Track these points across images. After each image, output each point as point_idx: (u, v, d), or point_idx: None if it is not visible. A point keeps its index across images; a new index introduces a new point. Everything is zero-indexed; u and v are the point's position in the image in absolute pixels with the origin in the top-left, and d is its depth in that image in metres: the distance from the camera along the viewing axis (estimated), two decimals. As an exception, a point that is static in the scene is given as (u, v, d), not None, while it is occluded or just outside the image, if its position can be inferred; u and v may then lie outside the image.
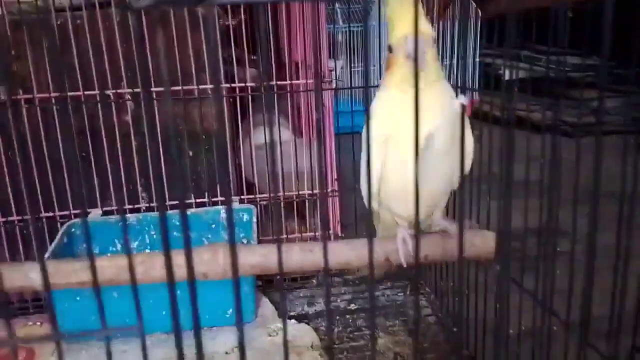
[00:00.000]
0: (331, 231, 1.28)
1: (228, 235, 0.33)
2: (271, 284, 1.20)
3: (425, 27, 0.62)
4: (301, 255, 0.70)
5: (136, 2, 0.28)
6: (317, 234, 1.27)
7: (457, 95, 0.68)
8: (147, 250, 1.07)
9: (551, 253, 0.73)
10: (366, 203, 0.73)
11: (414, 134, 0.34)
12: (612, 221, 0.54)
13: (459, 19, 1.08)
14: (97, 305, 0.36)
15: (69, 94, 1.10)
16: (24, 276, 0.69)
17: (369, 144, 0.61)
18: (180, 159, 1.10)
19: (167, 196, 1.15)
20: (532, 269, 0.71)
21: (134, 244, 1.07)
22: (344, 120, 1.18)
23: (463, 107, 0.31)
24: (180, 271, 0.60)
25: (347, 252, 0.69)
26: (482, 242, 0.70)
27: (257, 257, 0.69)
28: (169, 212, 1.10)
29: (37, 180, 1.12)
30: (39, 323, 1.07)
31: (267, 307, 1.10)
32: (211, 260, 0.69)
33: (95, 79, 1.11)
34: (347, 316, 1.10)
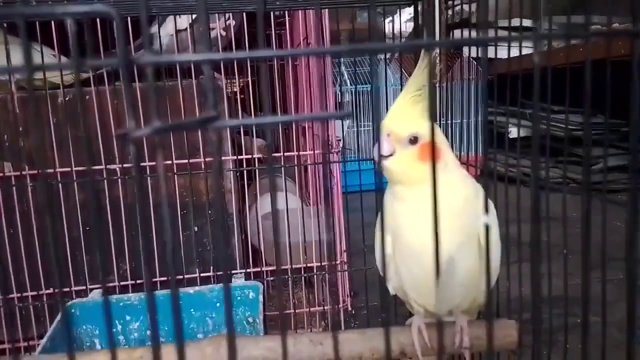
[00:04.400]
0: (340, 305, 1.23)
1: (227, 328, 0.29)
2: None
3: (400, 126, 0.58)
4: (310, 348, 0.65)
5: (135, 131, 0.26)
6: (325, 308, 1.22)
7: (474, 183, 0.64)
8: (149, 332, 1.02)
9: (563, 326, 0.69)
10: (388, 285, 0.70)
11: (433, 241, 0.32)
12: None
13: (468, 78, 1.08)
14: None
15: (75, 168, 1.09)
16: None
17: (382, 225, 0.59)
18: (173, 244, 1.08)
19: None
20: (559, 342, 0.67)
21: (135, 325, 1.03)
22: (351, 179, 1.16)
23: (487, 228, 0.28)
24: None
25: (361, 344, 0.65)
26: (502, 332, 0.65)
27: (262, 351, 0.65)
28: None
29: (39, 257, 1.09)
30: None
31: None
32: (213, 355, 0.65)
33: (102, 153, 1.11)
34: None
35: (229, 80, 1.43)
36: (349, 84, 3.06)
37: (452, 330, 0.65)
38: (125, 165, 1.11)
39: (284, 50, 0.81)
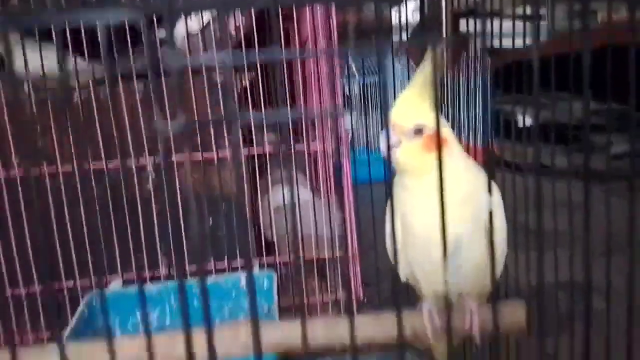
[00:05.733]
0: (353, 295, 1.26)
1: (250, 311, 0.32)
2: (294, 354, 1.17)
3: (405, 117, 0.59)
4: (326, 331, 0.68)
5: (165, 129, 0.28)
6: (337, 296, 1.25)
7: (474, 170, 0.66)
8: (167, 320, 1.06)
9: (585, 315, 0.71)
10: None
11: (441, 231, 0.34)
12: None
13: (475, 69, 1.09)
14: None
15: (92, 166, 1.12)
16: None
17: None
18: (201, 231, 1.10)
19: (187, 262, 1.16)
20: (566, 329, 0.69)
21: (155, 314, 1.06)
22: (361, 171, 1.17)
23: (491, 213, 0.30)
24: (202, 351, 0.58)
25: (374, 328, 0.67)
26: (511, 314, 0.67)
27: (280, 335, 0.68)
28: (188, 280, 1.09)
29: (59, 251, 1.13)
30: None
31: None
32: (232, 339, 0.67)
33: (117, 150, 1.14)
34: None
35: (237, 75, 1.45)
36: (357, 76, 3.06)
37: (463, 314, 0.67)
38: (140, 161, 1.15)
39: (294, 51, 0.83)
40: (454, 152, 0.62)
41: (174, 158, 1.14)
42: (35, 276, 1.14)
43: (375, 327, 0.67)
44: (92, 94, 1.12)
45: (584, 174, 0.45)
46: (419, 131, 0.60)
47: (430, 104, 0.60)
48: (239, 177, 1.01)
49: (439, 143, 0.36)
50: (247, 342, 0.69)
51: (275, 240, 1.34)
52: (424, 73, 0.60)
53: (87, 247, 1.15)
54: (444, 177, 0.61)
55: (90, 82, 1.12)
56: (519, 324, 0.68)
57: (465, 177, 0.61)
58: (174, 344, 0.69)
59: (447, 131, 0.64)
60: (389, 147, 0.59)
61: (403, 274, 0.72)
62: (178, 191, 1.15)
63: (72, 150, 1.12)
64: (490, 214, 0.30)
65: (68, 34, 1.07)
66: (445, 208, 0.30)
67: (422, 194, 0.60)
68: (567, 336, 0.76)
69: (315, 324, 0.69)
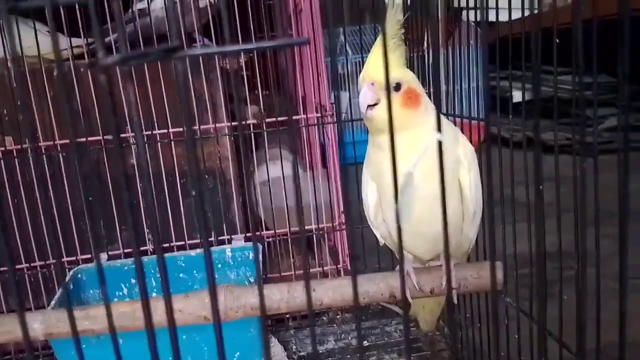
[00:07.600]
0: (340, 265, 1.27)
1: (208, 281, 0.33)
2: (281, 323, 1.18)
3: (379, 73, 0.58)
4: (304, 294, 0.68)
5: (104, 59, 0.28)
6: (325, 268, 1.25)
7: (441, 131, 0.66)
8: (154, 294, 1.06)
9: (559, 279, 0.71)
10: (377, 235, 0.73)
11: (394, 175, 0.34)
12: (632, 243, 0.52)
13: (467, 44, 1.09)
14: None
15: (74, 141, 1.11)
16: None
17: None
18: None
19: (173, 237, 1.16)
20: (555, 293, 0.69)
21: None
22: (347, 151, 1.16)
23: (440, 144, 0.30)
24: (179, 316, 0.58)
25: (352, 289, 0.68)
26: (487, 273, 0.68)
27: (259, 298, 0.68)
28: (175, 253, 1.10)
29: (44, 227, 1.13)
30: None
31: (276, 348, 1.08)
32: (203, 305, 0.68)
33: (99, 124, 1.13)
34: (358, 354, 1.07)
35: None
36: (350, 54, 3.03)
37: (440, 272, 0.68)
38: (122, 135, 1.14)
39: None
40: (427, 107, 0.63)
41: (156, 131, 1.13)
42: (22, 254, 1.14)
43: (351, 288, 0.68)
44: (72, 69, 1.11)
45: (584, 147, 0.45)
46: (397, 86, 0.60)
47: (401, 59, 0.60)
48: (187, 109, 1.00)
49: (388, 88, 0.36)
50: (226, 306, 0.70)
51: (262, 216, 1.35)
52: (389, 26, 0.60)
53: (73, 223, 1.15)
54: (421, 132, 0.61)
55: (70, 56, 1.11)
56: (496, 282, 0.69)
57: (431, 127, 0.62)
58: (154, 309, 0.69)
59: (419, 86, 0.64)
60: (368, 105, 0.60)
61: (380, 236, 0.72)
62: (162, 165, 1.15)
63: (54, 124, 1.11)
64: (441, 151, 0.30)
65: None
66: (395, 144, 0.30)
67: (399, 152, 0.60)
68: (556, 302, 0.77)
69: (294, 288, 0.70)
